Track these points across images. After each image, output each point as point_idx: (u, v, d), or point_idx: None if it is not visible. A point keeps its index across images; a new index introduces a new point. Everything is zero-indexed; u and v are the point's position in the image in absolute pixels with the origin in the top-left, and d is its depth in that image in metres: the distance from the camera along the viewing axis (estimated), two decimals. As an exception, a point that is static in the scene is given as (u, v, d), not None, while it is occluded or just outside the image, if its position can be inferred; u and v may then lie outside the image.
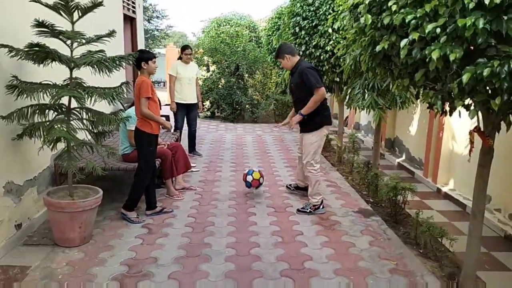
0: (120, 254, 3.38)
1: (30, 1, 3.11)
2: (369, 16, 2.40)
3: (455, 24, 2.07)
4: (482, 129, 2.73)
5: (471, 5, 2.00)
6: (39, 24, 3.01)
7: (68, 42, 3.27)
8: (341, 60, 5.74)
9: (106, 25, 3.73)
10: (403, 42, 2.23)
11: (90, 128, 3.51)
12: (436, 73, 2.30)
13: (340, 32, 5.71)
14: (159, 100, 4.10)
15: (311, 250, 3.54)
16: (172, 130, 5.69)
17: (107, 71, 3.31)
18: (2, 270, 3.05)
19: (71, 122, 3.38)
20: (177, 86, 6.34)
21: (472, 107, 2.48)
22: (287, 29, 6.70)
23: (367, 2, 2.37)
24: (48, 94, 3.14)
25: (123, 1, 7.07)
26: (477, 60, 2.10)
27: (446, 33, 2.11)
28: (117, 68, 3.41)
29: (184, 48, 6.46)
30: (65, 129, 3.10)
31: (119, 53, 3.46)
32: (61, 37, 3.17)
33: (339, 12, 3.31)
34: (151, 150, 4.04)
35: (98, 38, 3.42)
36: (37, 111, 3.29)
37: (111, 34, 3.47)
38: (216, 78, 11.49)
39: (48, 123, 3.16)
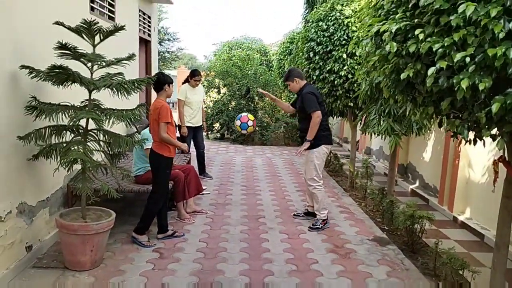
0: (131, 279, 3.29)
1: (54, 23, 3.15)
2: (394, 44, 2.38)
3: (484, 54, 2.04)
4: (507, 159, 2.66)
5: (501, 35, 1.97)
6: (62, 46, 3.03)
7: (89, 64, 3.29)
8: (355, 85, 5.77)
9: (123, 48, 3.79)
10: (431, 70, 2.19)
11: (106, 149, 3.49)
12: (463, 102, 2.25)
13: (355, 58, 5.73)
14: (174, 123, 4.10)
15: (327, 279, 3.43)
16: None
17: (125, 93, 3.31)
18: (11, 294, 2.98)
19: (88, 143, 3.37)
20: (186, 110, 6.36)
21: (499, 137, 2.42)
22: (300, 53, 6.74)
23: (393, 30, 2.35)
24: (66, 115, 3.14)
25: (140, 25, 7.19)
26: (506, 90, 2.06)
27: (475, 62, 2.08)
28: (136, 91, 3.41)
29: (193, 73, 6.41)
30: (81, 151, 3.08)
31: (134, 75, 3.49)
32: (82, 59, 3.19)
33: (360, 39, 3.31)
34: (167, 174, 4.02)
35: (118, 61, 3.44)
36: (55, 132, 3.28)
37: (131, 57, 3.49)
38: (227, 101, 11.56)
39: (65, 144, 3.15)
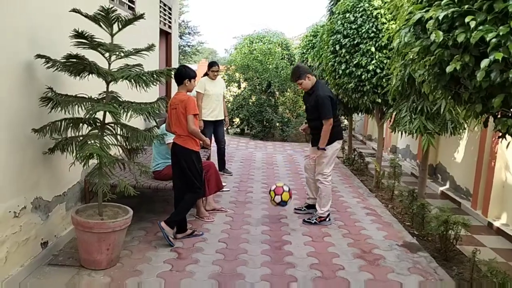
0: (148, 281, 3.15)
1: (70, 11, 3.00)
2: (440, 33, 2.12)
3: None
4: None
5: None
6: (78, 35, 2.89)
7: (107, 54, 3.14)
8: (384, 80, 5.47)
9: (143, 39, 3.63)
10: (484, 62, 1.93)
11: (124, 144, 3.34)
12: (518, 99, 1.99)
13: (384, 52, 5.43)
14: None
15: (355, 288, 3.20)
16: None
17: (144, 85, 3.15)
18: (24, 293, 2.87)
19: (105, 137, 3.23)
20: (205, 103, 6.19)
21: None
22: (325, 46, 6.46)
23: (440, 18, 2.09)
24: (83, 108, 3.00)
25: (160, 16, 7.05)
26: None
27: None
28: (155, 83, 3.25)
29: (211, 64, 6.27)
30: (98, 145, 2.94)
31: (154, 68, 3.34)
32: (99, 49, 3.04)
33: (397, 29, 3.04)
34: (201, 167, 3.92)
35: (137, 51, 3.28)
36: (71, 125, 3.15)
37: (150, 48, 3.33)
38: (247, 95, 11.37)
39: (81, 138, 3.01)
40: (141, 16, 3.16)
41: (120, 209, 3.50)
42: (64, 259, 3.40)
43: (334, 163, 4.64)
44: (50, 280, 3.07)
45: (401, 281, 3.35)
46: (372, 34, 5.54)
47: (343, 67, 5.83)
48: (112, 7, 2.94)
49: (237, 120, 11.50)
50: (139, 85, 3.11)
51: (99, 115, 3.18)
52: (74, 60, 2.89)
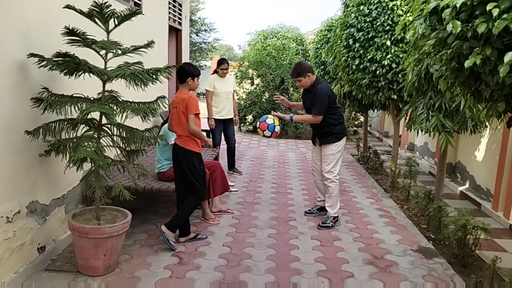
0: (145, 288, 3.02)
1: (64, 7, 2.87)
2: (458, 23, 1.89)
3: None
4: None
5: None
6: (70, 32, 2.75)
7: (102, 52, 3.00)
8: (399, 76, 5.20)
9: (151, 36, 3.48)
10: (508, 56, 1.70)
11: (122, 145, 3.21)
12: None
13: (400, 45, 5.15)
14: None
15: (364, 299, 3.00)
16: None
17: (142, 84, 3.00)
18: (18, 300, 2.77)
19: (102, 139, 3.10)
20: (214, 101, 6.02)
21: None
22: (338, 41, 6.21)
23: (458, 5, 1.86)
24: (76, 109, 2.86)
25: (169, 13, 6.91)
26: None
27: None
28: (154, 82, 3.09)
29: (220, 62, 6.06)
30: (92, 148, 2.80)
31: (163, 65, 3.19)
32: (94, 46, 2.90)
33: (412, 20, 2.80)
34: (202, 169, 3.77)
35: (135, 48, 3.13)
36: (68, 126, 3.03)
37: (149, 44, 3.17)
38: (260, 92, 11.17)
39: (75, 140, 2.88)
40: (138, 12, 3.01)
41: (119, 213, 3.37)
42: (61, 264, 3.30)
43: (341, 160, 4.50)
44: (45, 287, 2.97)
45: (415, 292, 3.13)
46: (388, 27, 5.27)
47: (356, 62, 5.58)
48: (105, 2, 2.79)
49: (249, 117, 11.32)
50: (136, 84, 2.96)
51: (96, 115, 3.05)
52: (64, 58, 2.75)
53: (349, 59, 5.72)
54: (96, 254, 3.06)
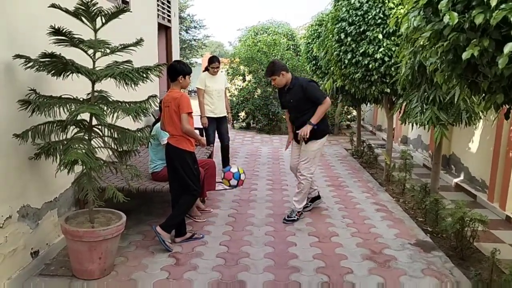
0: (142, 291, 2.97)
1: (49, 6, 2.79)
2: (455, 14, 1.85)
3: None
4: None
5: None
6: (56, 31, 2.67)
7: (90, 51, 2.92)
8: (392, 69, 5.18)
9: (140, 35, 3.39)
10: (508, 47, 1.66)
11: (114, 146, 3.14)
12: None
13: (392, 38, 5.12)
14: None
15: (364, 295, 2.97)
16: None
17: (132, 83, 2.93)
18: (11, 308, 2.71)
19: (93, 140, 3.03)
20: (206, 99, 5.95)
21: None
22: (330, 35, 6.16)
23: (454, -5, 1.83)
24: (65, 110, 2.79)
25: (158, 10, 6.81)
26: None
27: None
28: (144, 81, 3.02)
29: (211, 60, 5.97)
30: (83, 150, 2.73)
31: (153, 64, 3.13)
32: (81, 46, 2.82)
33: (406, 12, 2.76)
34: (196, 168, 3.71)
35: (124, 47, 3.06)
36: (58, 128, 2.95)
37: (138, 43, 3.10)
38: (252, 88, 11.11)
39: (65, 142, 2.81)
40: (126, 9, 2.93)
41: (113, 215, 3.31)
42: (56, 268, 3.23)
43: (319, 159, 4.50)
44: (40, 293, 2.91)
45: (415, 285, 3.12)
46: (379, 21, 5.22)
47: (349, 56, 5.54)
48: (92, 0, 2.71)
49: (242, 114, 11.26)
50: (126, 83, 2.89)
51: (86, 116, 2.98)
52: (51, 59, 2.67)
53: (341, 53, 5.68)
54: (91, 258, 3.00)
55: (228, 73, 11.48)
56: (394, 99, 5.78)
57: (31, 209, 3.13)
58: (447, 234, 3.98)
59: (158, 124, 3.99)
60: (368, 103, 7.11)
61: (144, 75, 2.89)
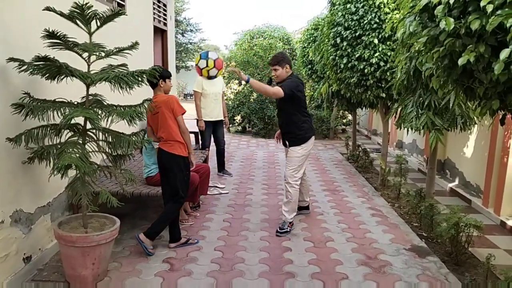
0: (136, 297, 2.93)
1: (44, 9, 2.76)
2: (451, 20, 1.86)
3: None
4: None
5: None
6: (50, 34, 2.64)
7: (85, 55, 2.90)
8: (388, 74, 5.20)
9: (135, 38, 3.38)
10: (504, 53, 1.67)
11: (108, 150, 3.11)
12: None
13: (388, 43, 5.14)
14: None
15: (359, 301, 2.96)
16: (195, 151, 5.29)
17: (127, 87, 2.91)
18: (2, 315, 2.67)
19: (87, 144, 3.00)
20: (202, 102, 5.94)
21: None
22: (326, 40, 6.18)
23: (451, 1, 1.82)
24: (59, 114, 2.76)
25: (154, 13, 6.80)
26: None
27: None
28: (139, 85, 3.00)
29: None
30: (77, 154, 2.70)
31: (148, 67, 3.12)
32: (76, 49, 2.80)
33: (402, 18, 2.77)
34: (188, 175, 3.66)
35: (119, 50, 3.04)
36: (51, 132, 2.92)
37: (133, 46, 3.08)
38: (248, 92, 11.11)
39: (59, 146, 2.78)
40: (121, 12, 2.91)
41: (107, 220, 3.28)
42: (48, 274, 3.19)
43: (305, 165, 4.28)
44: (32, 299, 2.86)
45: (410, 291, 3.11)
46: (375, 25, 5.25)
47: (344, 60, 5.56)
48: (87, 3, 2.69)
49: (238, 118, 11.25)
50: (121, 87, 2.87)
51: (80, 120, 2.95)
52: (44, 62, 2.65)
53: (337, 57, 5.70)
54: (84, 263, 2.96)
55: (224, 76, 11.48)
56: (389, 104, 5.80)
57: (24, 214, 3.09)
58: (442, 240, 3.98)
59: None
60: (364, 108, 7.12)
61: (140, 79, 2.87)
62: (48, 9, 2.73)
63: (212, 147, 6.37)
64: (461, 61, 1.88)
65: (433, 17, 2.06)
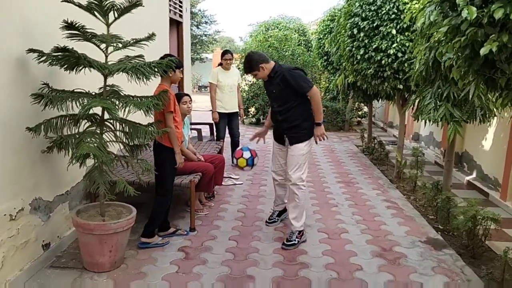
0: (152, 284, 2.99)
1: (62, 1, 2.80)
2: (474, 9, 1.81)
3: None
4: None
5: None
6: (69, 25, 2.68)
7: (102, 46, 2.93)
8: (405, 65, 5.11)
9: (152, 29, 3.39)
10: (527, 42, 1.62)
11: (125, 140, 3.15)
12: None
13: (406, 34, 5.05)
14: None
15: (373, 292, 2.95)
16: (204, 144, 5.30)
17: (144, 78, 2.93)
18: (24, 299, 2.75)
19: (105, 134, 3.04)
20: (218, 94, 5.95)
21: None
22: (342, 31, 6.11)
23: (473, -11, 1.79)
24: (78, 104, 2.80)
25: (170, 5, 6.81)
26: None
27: None
28: (156, 75, 3.03)
29: (224, 53, 6.02)
30: (95, 144, 2.75)
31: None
32: (94, 40, 2.83)
33: (422, 7, 2.71)
34: (174, 169, 3.58)
35: (136, 41, 3.06)
36: (70, 122, 2.97)
37: (150, 37, 3.10)
38: (262, 84, 11.07)
39: (77, 136, 2.83)
40: (138, 4, 2.93)
41: (124, 208, 3.33)
42: (67, 260, 3.27)
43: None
44: (51, 284, 2.94)
45: (425, 283, 3.09)
46: (393, 16, 5.17)
47: (361, 52, 5.49)
48: (105, -6, 2.71)
49: (252, 110, 11.24)
50: (138, 78, 2.89)
51: (98, 110, 3.00)
52: (63, 53, 2.69)
53: (353, 49, 5.63)
54: (102, 251, 3.02)
55: (239, 68, 11.47)
56: (406, 96, 5.72)
57: (43, 202, 3.17)
58: (459, 232, 3.93)
59: None
60: (380, 100, 7.04)
61: (156, 70, 2.89)
62: (66, 0, 2.76)
63: (227, 138, 6.40)
64: (483, 51, 1.83)
65: (455, 6, 2.01)
